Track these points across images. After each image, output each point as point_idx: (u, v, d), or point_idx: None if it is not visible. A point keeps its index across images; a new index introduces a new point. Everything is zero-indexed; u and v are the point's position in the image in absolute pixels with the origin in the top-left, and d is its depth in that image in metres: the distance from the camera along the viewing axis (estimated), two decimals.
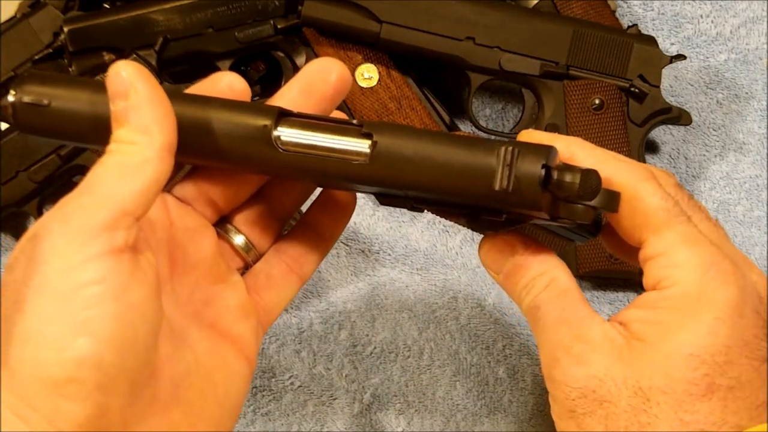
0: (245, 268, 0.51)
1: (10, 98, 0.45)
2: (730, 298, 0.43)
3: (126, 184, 0.42)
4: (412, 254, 0.72)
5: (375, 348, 0.71)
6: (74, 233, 0.40)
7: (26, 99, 0.45)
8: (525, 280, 0.47)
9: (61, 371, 0.39)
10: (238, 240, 0.50)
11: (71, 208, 0.41)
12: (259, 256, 0.51)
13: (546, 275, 0.46)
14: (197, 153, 0.46)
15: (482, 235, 0.49)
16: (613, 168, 0.45)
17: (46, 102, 0.45)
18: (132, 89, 0.43)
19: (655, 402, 0.42)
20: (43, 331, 0.40)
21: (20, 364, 0.40)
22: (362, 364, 0.71)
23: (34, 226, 0.43)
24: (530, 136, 0.47)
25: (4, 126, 0.68)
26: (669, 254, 0.44)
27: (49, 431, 0.40)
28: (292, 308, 0.72)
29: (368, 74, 0.69)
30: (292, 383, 0.71)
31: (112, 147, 0.43)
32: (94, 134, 0.45)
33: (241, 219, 0.51)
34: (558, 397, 0.45)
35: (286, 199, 0.51)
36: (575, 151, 0.46)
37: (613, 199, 0.44)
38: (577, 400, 0.44)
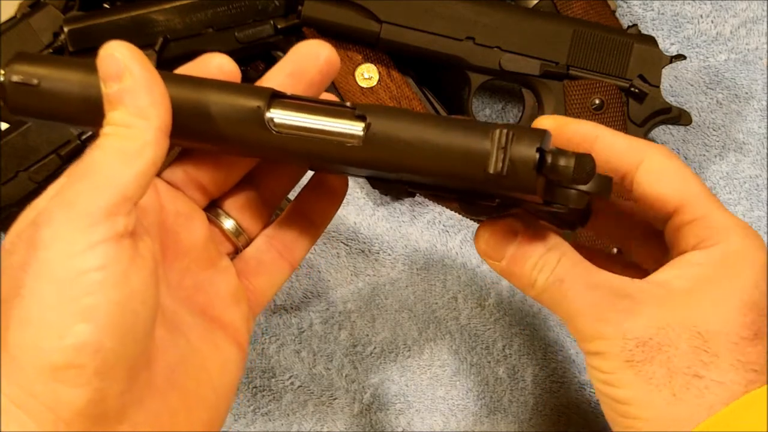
0: (235, 253, 0.51)
1: (0, 78, 0.45)
2: (765, 258, 0.47)
3: (125, 169, 0.41)
4: (412, 254, 0.72)
5: (375, 348, 0.71)
6: (76, 219, 0.40)
7: (15, 78, 0.44)
8: (534, 259, 0.47)
9: (60, 357, 0.39)
10: (228, 224, 0.50)
11: (72, 194, 0.41)
12: (249, 241, 0.51)
13: (556, 249, 0.47)
14: (189, 135, 0.45)
15: (478, 225, 0.49)
16: (644, 146, 0.48)
17: (35, 82, 0.44)
18: (127, 71, 0.42)
19: (714, 343, 0.45)
20: (43, 317, 0.39)
21: (19, 350, 0.40)
22: (362, 364, 0.71)
23: (31, 213, 0.43)
24: (550, 121, 0.49)
25: (4, 126, 0.68)
26: (709, 217, 0.47)
27: (49, 418, 0.40)
28: (292, 308, 0.72)
29: (368, 74, 0.69)
30: (292, 383, 0.71)
31: (107, 130, 0.42)
32: (85, 115, 0.45)
33: (230, 204, 0.51)
34: (612, 351, 0.46)
35: (276, 183, 0.51)
36: (600, 133, 0.48)
37: (606, 184, 0.44)
38: (635, 349, 0.45)
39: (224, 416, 0.48)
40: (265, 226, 0.52)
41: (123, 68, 0.42)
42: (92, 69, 0.44)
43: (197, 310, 0.48)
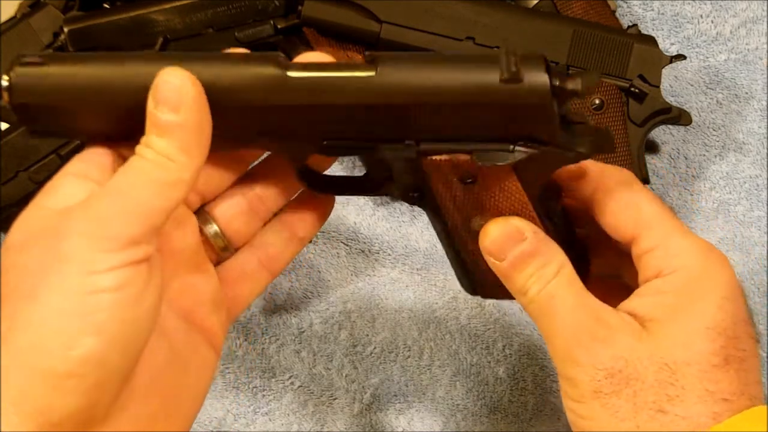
0: (218, 261, 0.52)
1: (4, 83, 0.44)
2: (730, 278, 0.46)
3: (159, 202, 0.42)
4: (412, 254, 0.72)
5: (375, 348, 0.71)
6: (102, 240, 0.41)
7: (24, 60, 0.44)
8: (532, 268, 0.47)
9: (64, 365, 0.40)
10: (214, 232, 0.51)
11: (102, 213, 0.41)
12: (234, 251, 0.52)
13: (554, 263, 0.47)
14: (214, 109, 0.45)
15: (489, 220, 0.49)
16: (595, 174, 0.48)
17: (40, 60, 0.44)
18: (185, 105, 0.42)
19: (681, 374, 0.44)
20: (53, 325, 0.40)
21: (20, 352, 0.40)
22: (362, 364, 0.71)
23: (53, 219, 0.42)
24: None
25: (4, 126, 0.68)
26: (667, 244, 0.47)
27: (38, 420, 0.40)
28: (292, 308, 0.72)
29: None
30: (292, 383, 0.71)
31: (148, 155, 0.43)
32: (92, 109, 0.45)
33: (219, 211, 0.51)
34: (582, 380, 0.45)
35: (267, 197, 0.52)
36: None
37: (608, 137, 0.47)
38: (603, 380, 0.45)
39: (194, 420, 0.49)
40: (252, 236, 0.52)
41: (182, 100, 0.42)
42: (97, 59, 0.44)
43: (181, 313, 0.49)
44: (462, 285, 0.54)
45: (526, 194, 0.48)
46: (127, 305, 0.41)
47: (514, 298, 0.50)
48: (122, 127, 0.45)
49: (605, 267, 0.52)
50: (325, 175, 0.51)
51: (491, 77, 0.43)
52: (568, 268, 0.47)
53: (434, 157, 0.47)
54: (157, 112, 0.42)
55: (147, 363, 0.45)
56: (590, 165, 0.49)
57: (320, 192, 0.51)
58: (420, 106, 0.45)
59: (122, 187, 0.42)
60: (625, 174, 0.49)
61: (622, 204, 0.48)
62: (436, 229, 0.52)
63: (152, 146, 0.43)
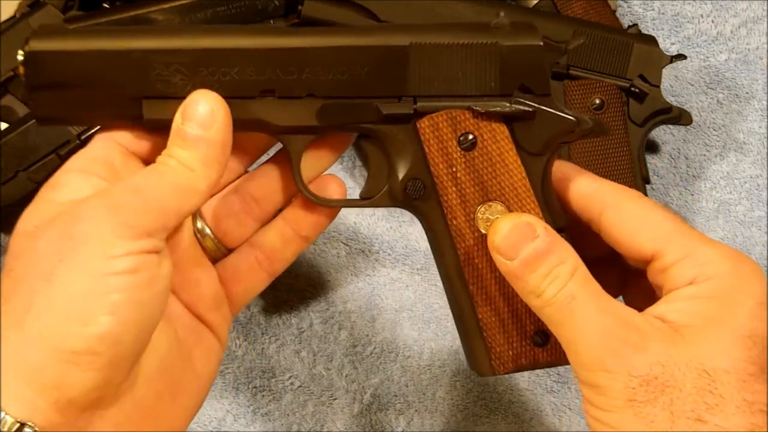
0: (215, 260, 0.53)
1: (20, 57, 0.46)
2: (763, 285, 0.45)
3: (176, 205, 0.45)
4: (412, 254, 0.72)
5: (375, 348, 0.71)
6: (120, 228, 0.43)
7: (36, 42, 0.46)
8: (546, 267, 0.45)
9: (81, 343, 0.41)
10: (202, 230, 0.52)
11: (124, 206, 0.44)
12: (227, 250, 0.53)
13: (568, 262, 0.46)
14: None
15: (497, 218, 0.48)
16: (606, 193, 0.48)
17: (55, 32, 0.47)
18: (215, 124, 0.46)
19: (720, 382, 0.43)
20: (70, 305, 0.42)
21: (37, 332, 0.42)
22: (362, 364, 0.71)
23: (66, 207, 0.44)
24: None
25: (4, 126, 0.68)
26: (695, 254, 0.45)
27: (52, 396, 0.41)
28: (292, 308, 0.72)
29: None
30: (292, 383, 0.71)
31: (171, 163, 0.46)
32: (102, 75, 0.47)
33: (208, 212, 0.52)
34: (613, 387, 0.43)
35: (264, 199, 0.52)
36: (573, 176, 0.50)
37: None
38: (638, 388, 0.43)
39: (202, 402, 0.51)
40: (246, 237, 0.53)
41: (214, 119, 0.46)
42: (110, 33, 0.47)
43: (184, 305, 0.50)
44: (474, 361, 0.51)
45: (528, 178, 0.49)
46: (140, 288, 0.43)
47: (528, 369, 0.50)
48: (130, 103, 0.47)
49: (608, 289, 0.51)
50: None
51: (484, 25, 0.48)
52: (583, 268, 0.46)
53: (432, 115, 0.48)
54: (185, 127, 0.46)
55: (154, 347, 0.46)
56: (597, 185, 0.49)
57: (318, 202, 0.51)
58: (418, 48, 0.47)
59: (142, 185, 0.45)
60: (632, 191, 0.48)
61: (638, 222, 0.47)
62: (443, 279, 0.51)
63: (175, 156, 0.46)
